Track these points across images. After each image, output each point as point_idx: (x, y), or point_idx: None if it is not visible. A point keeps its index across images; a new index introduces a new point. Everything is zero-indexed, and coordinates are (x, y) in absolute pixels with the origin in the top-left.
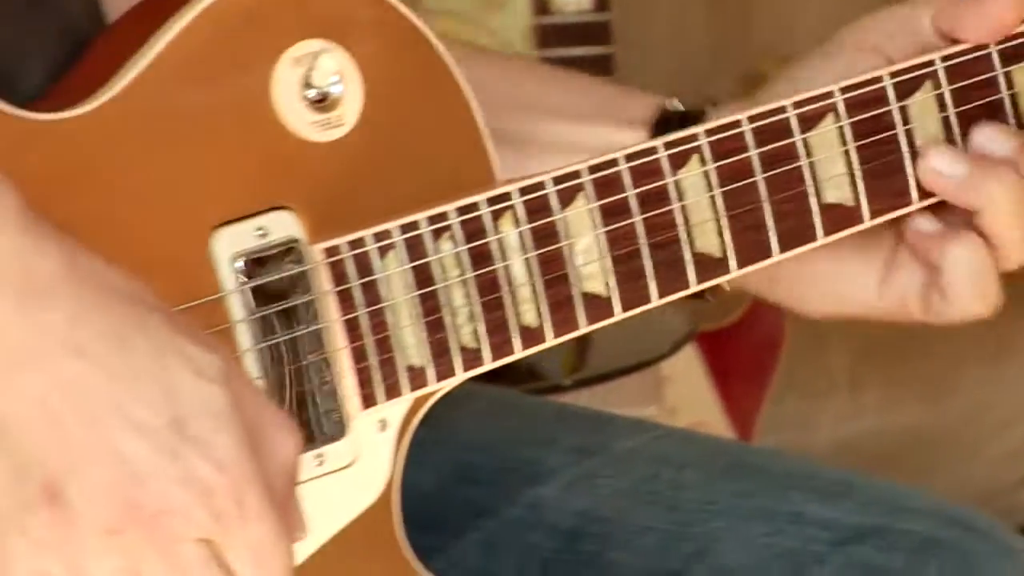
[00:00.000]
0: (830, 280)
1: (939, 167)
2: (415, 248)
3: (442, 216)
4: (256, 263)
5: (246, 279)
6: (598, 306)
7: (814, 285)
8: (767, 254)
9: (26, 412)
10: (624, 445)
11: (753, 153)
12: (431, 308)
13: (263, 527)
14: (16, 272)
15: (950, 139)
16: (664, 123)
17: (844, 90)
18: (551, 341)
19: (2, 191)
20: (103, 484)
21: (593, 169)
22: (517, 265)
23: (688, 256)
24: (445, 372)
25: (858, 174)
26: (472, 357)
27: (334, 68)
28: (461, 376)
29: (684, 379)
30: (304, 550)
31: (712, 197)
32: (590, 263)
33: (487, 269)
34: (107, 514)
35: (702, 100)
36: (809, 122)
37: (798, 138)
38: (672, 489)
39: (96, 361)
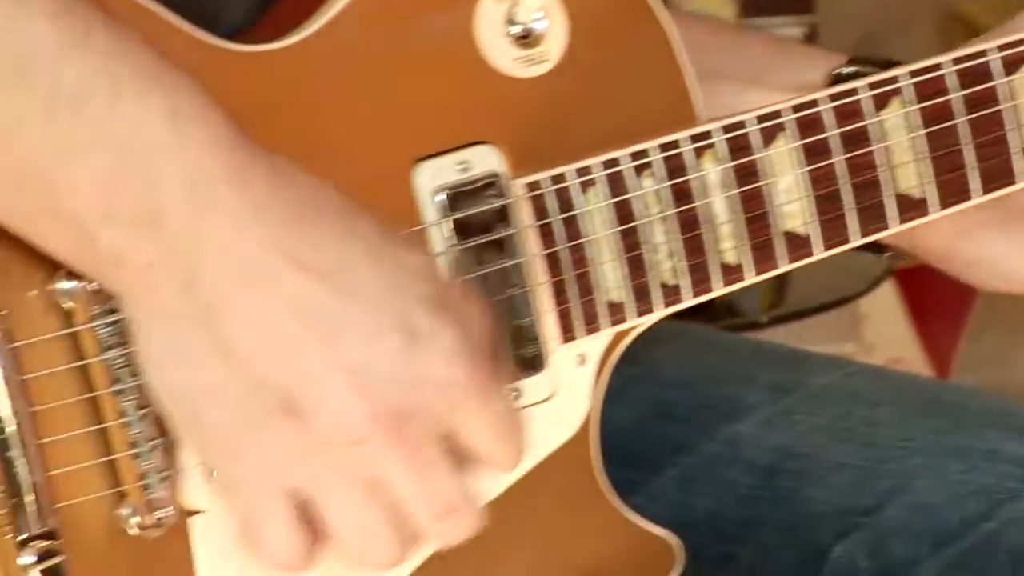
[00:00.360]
0: (1006, 260)
1: None
2: (616, 184)
3: (644, 153)
4: (457, 197)
5: (447, 212)
6: (798, 245)
7: (992, 265)
8: (967, 196)
9: (254, 331)
10: (820, 382)
11: (955, 96)
12: (631, 244)
13: (497, 405)
14: (230, 191)
15: None
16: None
17: None
18: (751, 279)
19: (212, 114)
20: (341, 397)
21: (796, 109)
22: (718, 203)
23: (888, 197)
24: (645, 308)
25: None
26: (672, 294)
27: (538, 5)
28: (660, 312)
29: (882, 316)
30: (502, 482)
31: (913, 138)
32: (791, 202)
33: (688, 206)
34: (346, 426)
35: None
36: (1012, 66)
37: (1000, 81)
38: (867, 426)
39: (318, 272)
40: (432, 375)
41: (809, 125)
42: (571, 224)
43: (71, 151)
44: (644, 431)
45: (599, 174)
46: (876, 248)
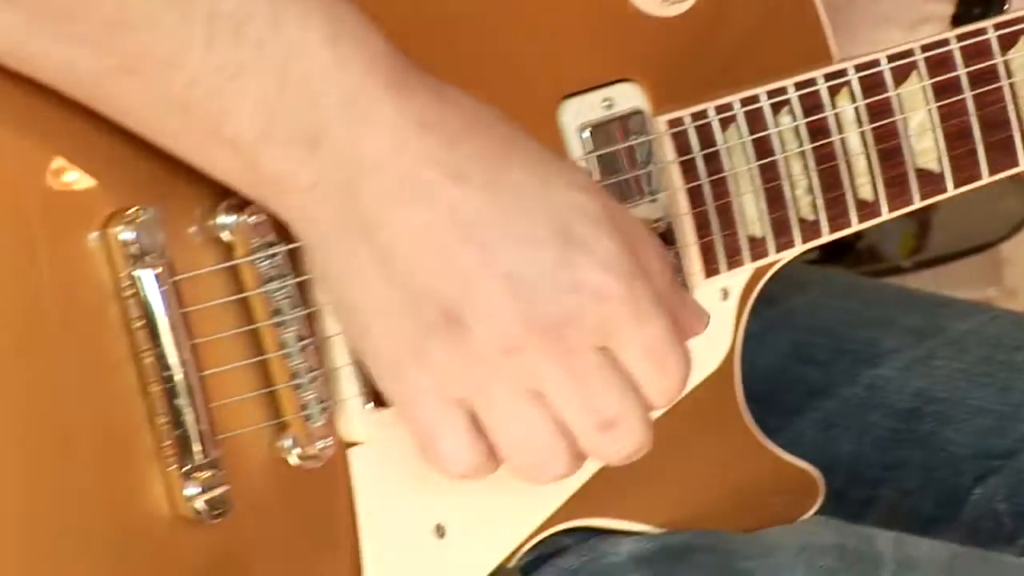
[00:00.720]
0: None
1: None
2: (755, 121)
3: (781, 91)
4: (600, 133)
5: (592, 148)
6: (930, 181)
7: None
8: None
9: (414, 243)
10: (960, 327)
11: None
12: (770, 180)
13: (657, 326)
14: (389, 110)
15: None
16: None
17: None
18: (886, 215)
19: (371, 36)
20: (498, 305)
21: (925, 48)
22: (853, 139)
23: (1018, 134)
24: (784, 243)
25: None
26: (810, 229)
27: None
28: (800, 247)
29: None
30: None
31: None
32: (923, 139)
33: (824, 142)
34: (505, 333)
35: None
36: None
37: None
38: (1007, 371)
39: (476, 184)
40: (587, 282)
41: (939, 64)
42: (712, 160)
43: (232, 76)
44: (783, 375)
45: (738, 111)
46: None
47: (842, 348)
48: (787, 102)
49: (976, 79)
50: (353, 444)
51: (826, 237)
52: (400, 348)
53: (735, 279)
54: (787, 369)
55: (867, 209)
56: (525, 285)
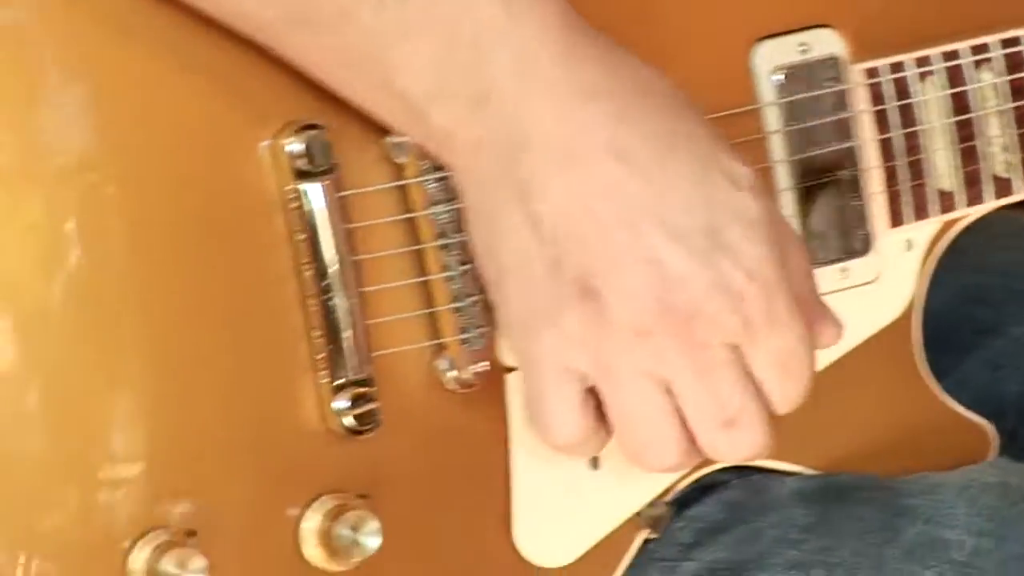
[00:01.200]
0: None
1: None
2: (954, 76)
3: (985, 47)
4: (793, 78)
5: (784, 93)
6: None
7: None
8: None
9: (566, 210)
10: None
11: None
12: (965, 136)
13: (789, 334)
14: (560, 73)
15: None
16: None
17: None
18: None
19: None
20: (638, 286)
21: None
22: None
23: None
24: (974, 198)
25: None
26: (1003, 187)
27: None
28: (991, 204)
29: None
30: (823, 359)
31: None
32: None
33: None
34: (640, 315)
35: None
36: None
37: None
38: None
39: (637, 165)
40: (728, 285)
41: None
42: (906, 112)
43: (402, 35)
44: (952, 315)
45: (938, 65)
46: None
47: (1013, 288)
48: (990, 59)
49: None
50: (511, 369)
51: (1020, 195)
52: (532, 309)
53: (921, 231)
54: (956, 309)
55: None
56: (668, 275)
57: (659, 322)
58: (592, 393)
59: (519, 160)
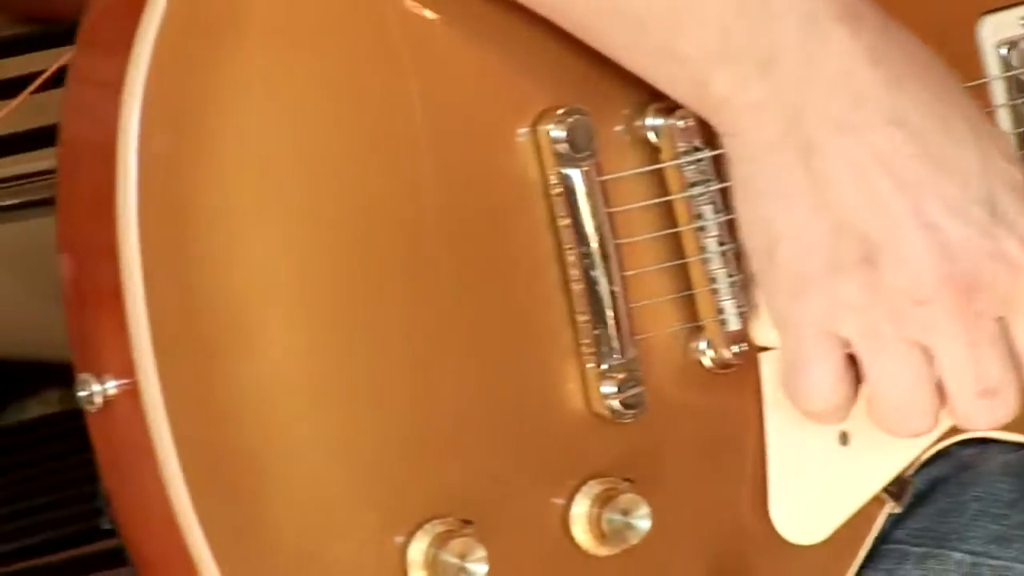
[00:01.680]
0: None
1: None
2: None
3: None
4: (1018, 51)
5: (1010, 67)
6: None
7: None
8: None
9: (844, 174)
10: None
11: None
12: None
13: None
14: (845, 36)
15: None
16: None
17: None
18: None
19: None
20: (917, 255)
21: None
22: None
23: None
24: None
25: None
26: None
27: None
28: None
29: None
30: None
31: None
32: None
33: None
34: (919, 283)
35: None
36: None
37: None
38: None
39: (915, 132)
40: (1005, 255)
41: None
42: None
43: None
44: None
45: None
46: None
47: None
48: None
49: None
50: (765, 349)
51: None
52: (805, 273)
53: None
54: None
55: None
56: (949, 243)
57: (938, 291)
58: (849, 359)
59: (802, 122)
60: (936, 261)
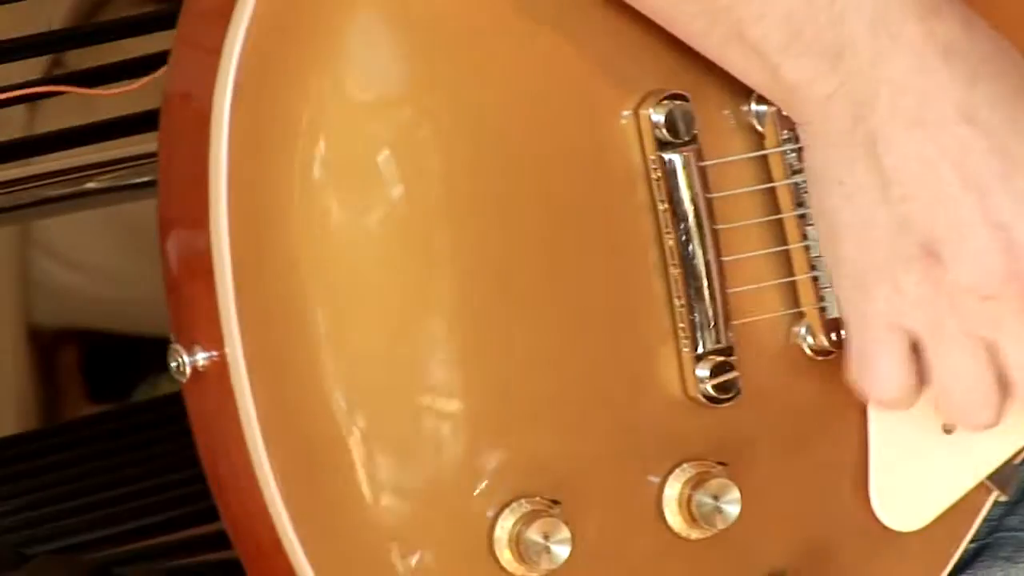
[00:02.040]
0: None
1: None
2: None
3: None
4: None
5: None
6: None
7: None
8: None
9: (911, 168)
10: None
11: None
12: None
13: None
14: (917, 31)
15: None
16: None
17: None
18: None
19: None
20: (984, 250)
21: None
22: None
23: None
24: None
25: None
26: None
27: None
28: None
29: None
30: None
31: None
32: None
33: None
34: (985, 279)
35: None
36: None
37: None
38: None
39: (985, 129)
40: None
41: None
42: None
43: None
44: None
45: None
46: None
47: None
48: None
49: None
50: None
51: None
52: (869, 266)
53: None
54: None
55: None
56: (1015, 240)
57: (1005, 287)
58: (914, 351)
59: (870, 115)
60: (1003, 259)
